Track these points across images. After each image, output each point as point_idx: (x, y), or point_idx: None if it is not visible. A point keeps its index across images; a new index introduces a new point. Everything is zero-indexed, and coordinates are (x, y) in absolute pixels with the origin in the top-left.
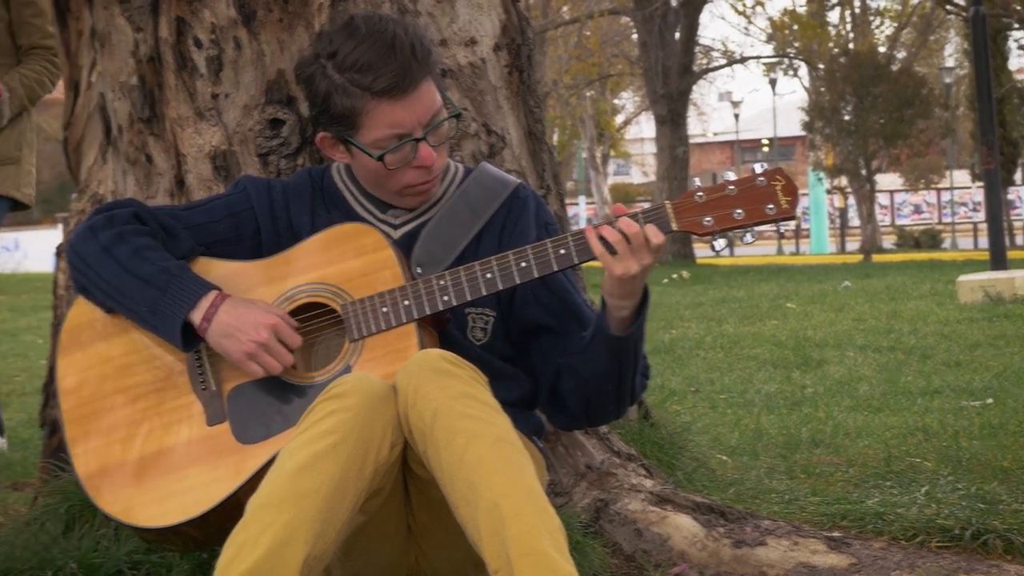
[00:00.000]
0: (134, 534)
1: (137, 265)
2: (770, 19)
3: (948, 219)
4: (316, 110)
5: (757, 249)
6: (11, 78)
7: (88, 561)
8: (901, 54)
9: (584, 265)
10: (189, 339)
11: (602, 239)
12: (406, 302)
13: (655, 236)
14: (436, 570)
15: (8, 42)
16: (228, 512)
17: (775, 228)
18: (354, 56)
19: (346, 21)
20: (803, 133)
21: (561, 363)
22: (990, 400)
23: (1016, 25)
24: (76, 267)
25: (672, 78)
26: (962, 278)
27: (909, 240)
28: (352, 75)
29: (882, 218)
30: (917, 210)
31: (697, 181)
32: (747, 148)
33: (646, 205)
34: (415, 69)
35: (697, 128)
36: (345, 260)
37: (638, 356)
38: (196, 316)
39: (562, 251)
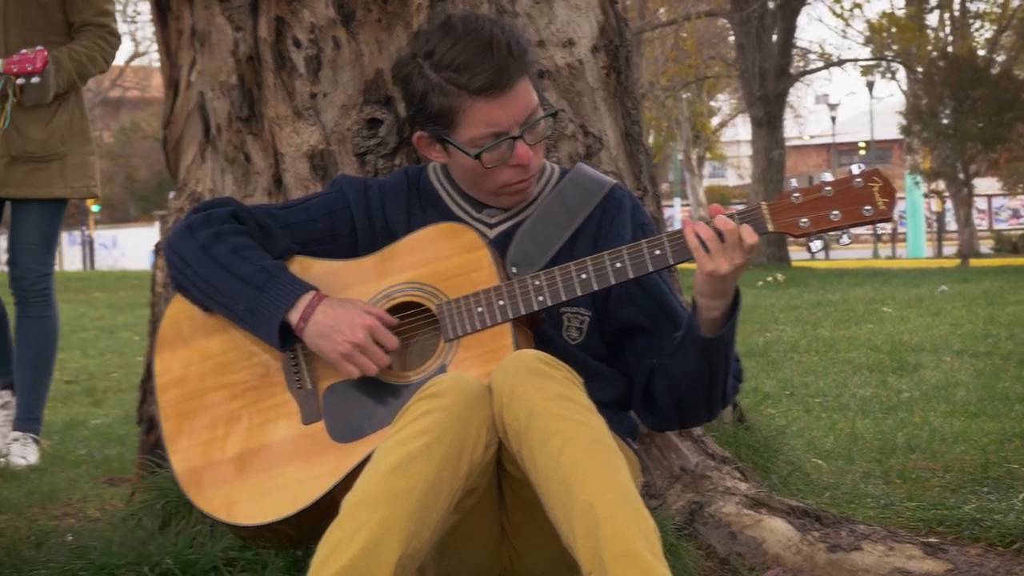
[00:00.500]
0: (229, 531)
1: (235, 264)
2: (868, 22)
3: None
4: (413, 109)
5: (853, 252)
6: (60, 52)
7: (184, 557)
8: (1001, 57)
9: (679, 267)
10: (286, 339)
11: (696, 235)
12: (501, 302)
13: (749, 236)
14: (529, 571)
15: (60, 19)
16: (323, 510)
17: (871, 230)
18: (451, 55)
19: (443, 21)
20: (900, 136)
21: (653, 364)
22: None
23: None
24: (174, 265)
25: (769, 80)
26: None
27: (1007, 244)
28: (449, 74)
29: (979, 222)
30: (1015, 214)
31: (793, 182)
32: (843, 151)
33: (741, 207)
34: (511, 67)
35: (793, 131)
36: (440, 259)
37: (729, 358)
38: (293, 316)
39: (657, 252)
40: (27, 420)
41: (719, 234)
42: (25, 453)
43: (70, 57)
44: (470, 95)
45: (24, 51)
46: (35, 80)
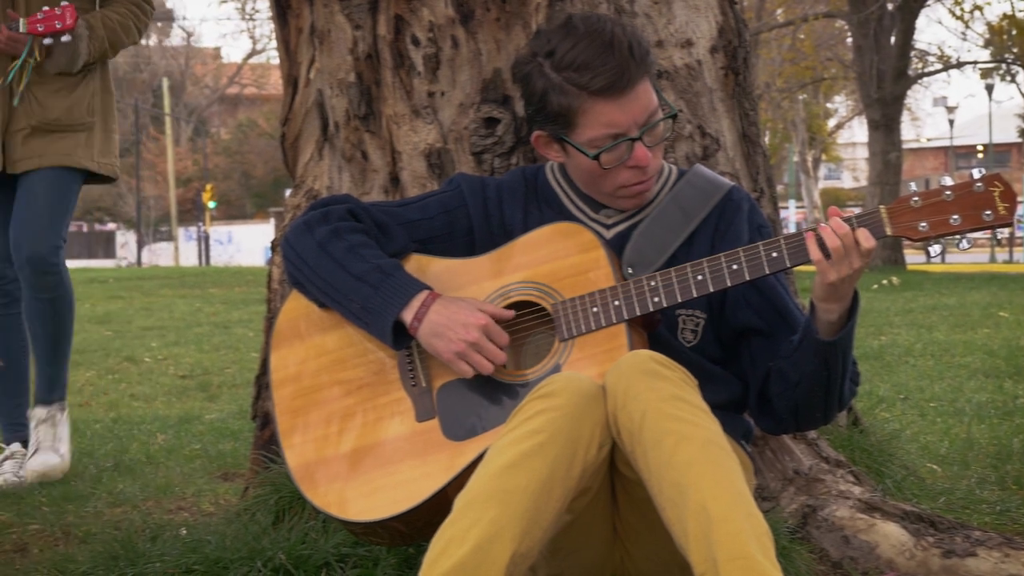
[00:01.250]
0: (342, 527)
1: (351, 262)
2: (988, 24)
3: None
4: (532, 109)
5: (969, 256)
6: (92, 16)
7: (296, 553)
8: None
9: (795, 268)
10: (400, 337)
11: (816, 240)
12: (616, 302)
13: (867, 240)
14: (641, 572)
15: None
16: (435, 508)
17: (990, 235)
18: (572, 55)
19: (564, 20)
20: (1020, 140)
21: (769, 367)
22: None
23: None
24: (291, 262)
25: (886, 82)
26: None
27: None
28: (569, 74)
29: None
30: None
31: (912, 186)
32: (961, 154)
33: (857, 210)
34: (632, 69)
35: (911, 133)
36: (556, 259)
37: (847, 361)
38: (407, 315)
39: (774, 254)
40: (50, 392)
41: (839, 239)
42: (15, 470)
43: (104, 23)
44: (590, 96)
45: (47, 8)
46: (65, 39)
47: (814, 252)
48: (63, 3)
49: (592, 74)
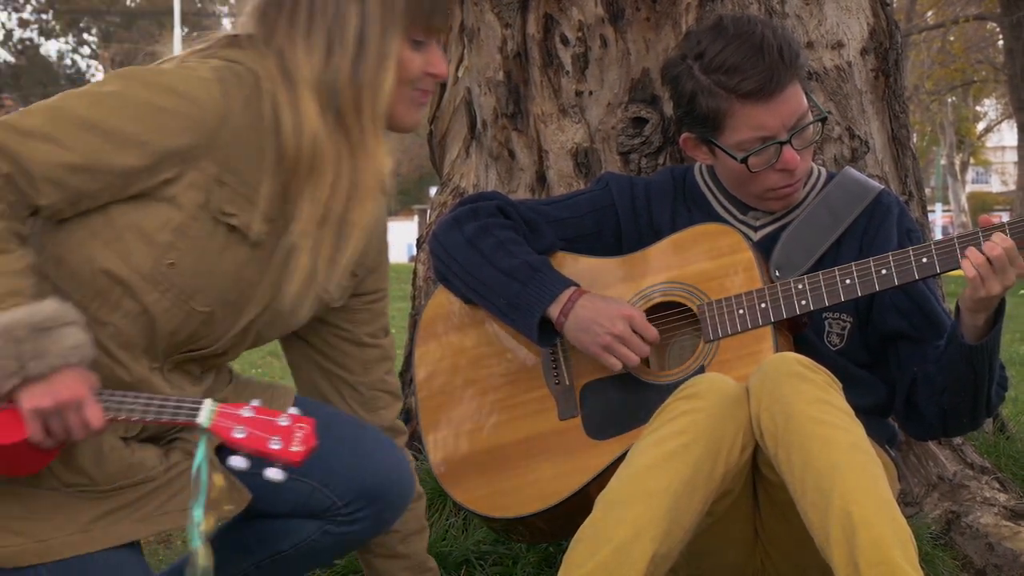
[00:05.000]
0: (483, 524)
1: (500, 258)
2: None
3: None
4: (681, 111)
5: None
6: None
7: (436, 550)
8: None
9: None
10: (546, 333)
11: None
12: (763, 305)
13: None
14: (781, 575)
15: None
16: (576, 506)
17: None
18: (721, 57)
19: (714, 22)
20: None
21: (916, 372)
22: None
23: None
24: (439, 257)
25: None
26: None
27: None
28: (718, 76)
29: None
30: None
31: None
32: None
33: (1004, 215)
34: (782, 72)
35: None
36: (703, 260)
37: (993, 366)
38: (554, 310)
39: (924, 260)
40: None
41: (989, 260)
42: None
43: None
44: (739, 98)
45: (256, 403)
46: (274, 474)
47: (968, 270)
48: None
49: (741, 77)
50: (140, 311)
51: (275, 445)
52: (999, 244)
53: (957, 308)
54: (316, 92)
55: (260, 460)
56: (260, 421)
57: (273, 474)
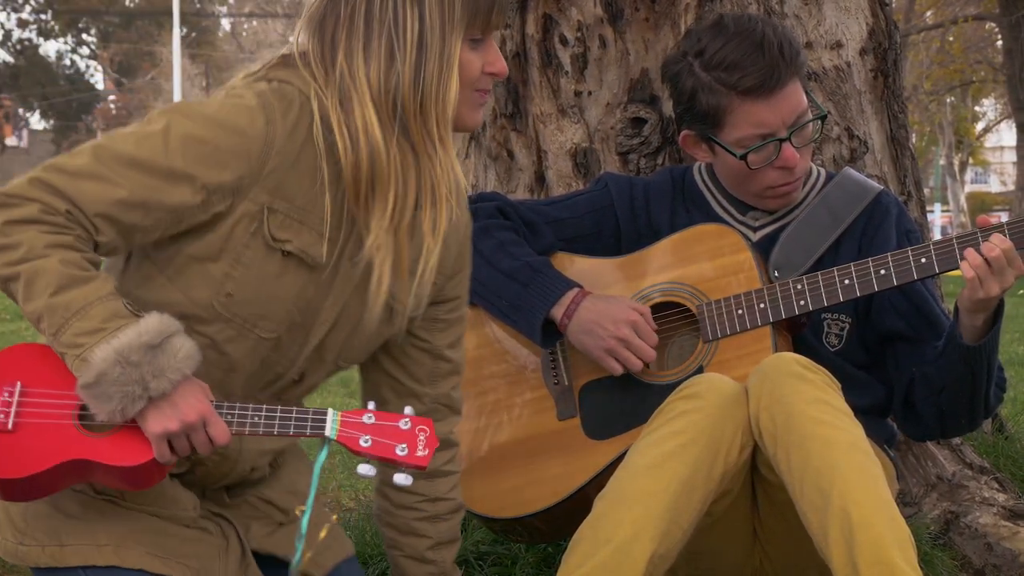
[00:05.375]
0: (482, 524)
1: (500, 259)
2: None
3: None
4: (680, 108)
5: None
6: None
7: None
8: None
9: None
10: (549, 335)
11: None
12: (762, 305)
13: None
14: (780, 574)
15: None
16: (575, 506)
17: None
18: (721, 54)
19: (715, 20)
20: None
21: (914, 372)
22: None
23: None
24: None
25: None
26: None
27: None
28: (718, 73)
29: None
30: None
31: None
32: None
33: (1003, 215)
34: (782, 69)
35: None
36: (702, 260)
37: (992, 366)
38: (557, 312)
39: (923, 260)
40: None
41: (987, 261)
42: None
43: None
44: (739, 95)
45: (372, 406)
46: (400, 479)
47: (966, 271)
48: (410, 413)
49: (741, 74)
50: (208, 344)
51: (401, 451)
52: (997, 245)
53: (956, 309)
54: (377, 101)
55: (387, 466)
56: (383, 428)
57: (401, 480)
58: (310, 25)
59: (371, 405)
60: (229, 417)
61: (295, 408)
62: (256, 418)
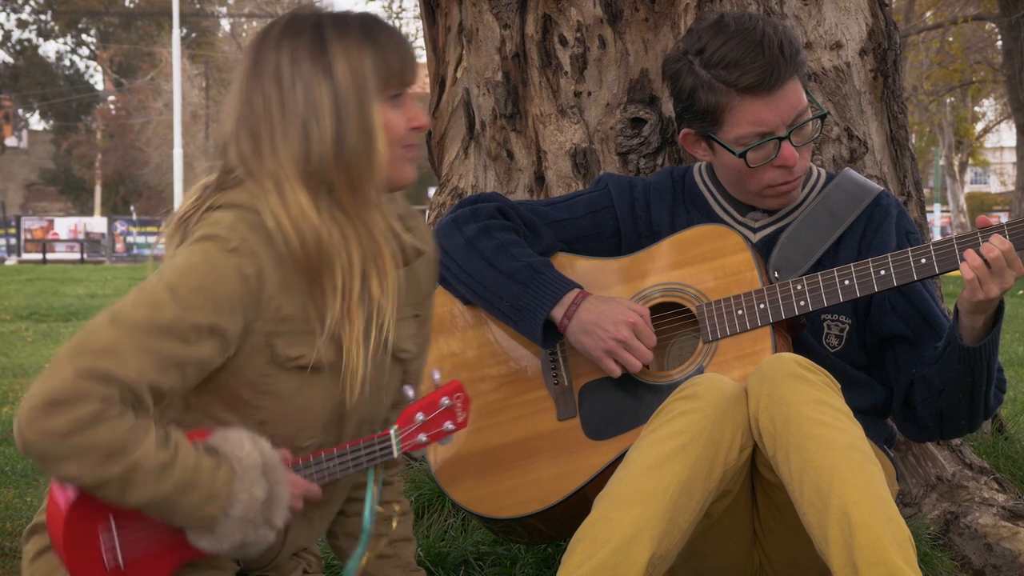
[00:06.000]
0: (481, 524)
1: (501, 260)
2: None
3: None
4: (680, 106)
5: None
6: None
7: (435, 550)
8: None
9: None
10: (549, 335)
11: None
12: (762, 306)
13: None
14: (780, 575)
15: None
16: (575, 507)
17: None
18: (721, 52)
19: (716, 19)
20: None
21: (914, 374)
22: None
23: None
24: (439, 259)
25: None
26: None
27: None
28: (718, 71)
29: None
30: None
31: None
32: None
33: (1003, 216)
34: (782, 67)
35: None
36: (702, 261)
37: (991, 368)
38: (558, 312)
39: (923, 260)
40: None
41: (987, 263)
42: None
43: None
44: (738, 93)
45: (414, 399)
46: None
47: (966, 272)
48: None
49: (741, 71)
50: None
51: (449, 427)
52: (997, 247)
53: (956, 310)
54: (304, 182)
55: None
56: (432, 420)
57: (446, 442)
58: (237, 130)
59: (409, 392)
60: (308, 474)
61: (361, 441)
62: (333, 466)
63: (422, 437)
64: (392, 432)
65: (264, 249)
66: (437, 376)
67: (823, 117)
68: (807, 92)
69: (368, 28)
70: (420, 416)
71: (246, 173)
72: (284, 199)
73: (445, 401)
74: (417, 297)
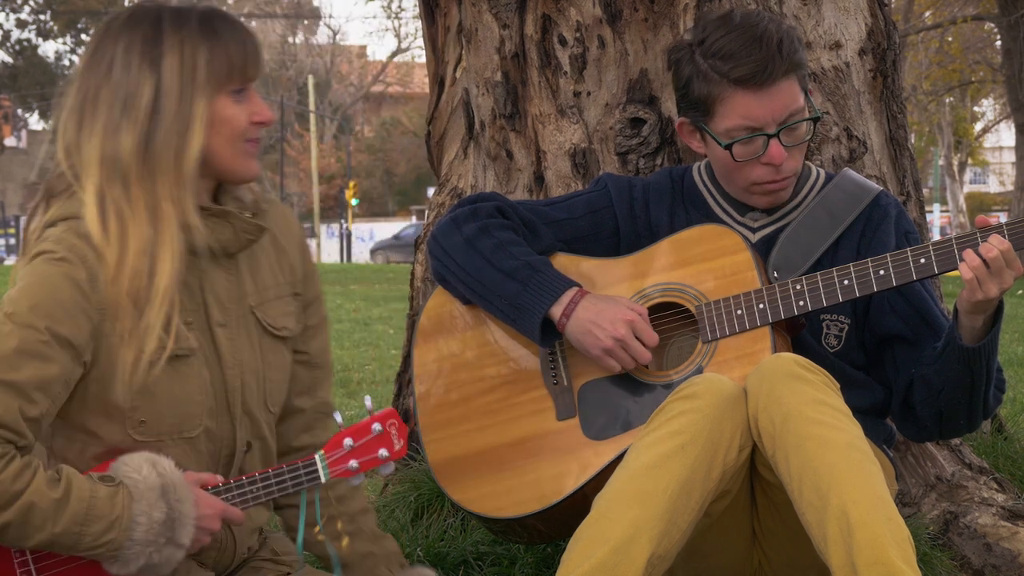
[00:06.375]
0: (480, 524)
1: (500, 259)
2: None
3: None
4: (678, 95)
5: None
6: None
7: (435, 550)
8: None
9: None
10: (548, 334)
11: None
12: (761, 306)
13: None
14: (779, 575)
15: None
16: (574, 507)
17: None
18: (720, 44)
19: (725, 13)
20: None
21: (913, 374)
22: None
23: None
24: (438, 258)
25: None
26: None
27: None
28: (714, 61)
29: None
30: None
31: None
32: None
33: (1002, 216)
34: (777, 63)
35: None
36: (702, 261)
37: (991, 368)
38: (556, 311)
39: (922, 260)
40: None
41: (986, 263)
42: None
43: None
44: (730, 84)
45: (343, 427)
46: (388, 470)
47: (965, 272)
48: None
49: (735, 63)
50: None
51: (383, 455)
52: (995, 247)
53: (955, 310)
54: (100, 169)
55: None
56: (362, 445)
57: (387, 471)
58: (68, 113)
59: (337, 417)
60: (229, 497)
61: (285, 466)
62: (256, 490)
63: (353, 464)
64: (317, 457)
65: (93, 252)
66: (369, 403)
67: (816, 120)
68: (806, 94)
69: (208, 23)
70: (349, 441)
71: (69, 168)
72: (82, 189)
73: (377, 427)
74: (291, 276)
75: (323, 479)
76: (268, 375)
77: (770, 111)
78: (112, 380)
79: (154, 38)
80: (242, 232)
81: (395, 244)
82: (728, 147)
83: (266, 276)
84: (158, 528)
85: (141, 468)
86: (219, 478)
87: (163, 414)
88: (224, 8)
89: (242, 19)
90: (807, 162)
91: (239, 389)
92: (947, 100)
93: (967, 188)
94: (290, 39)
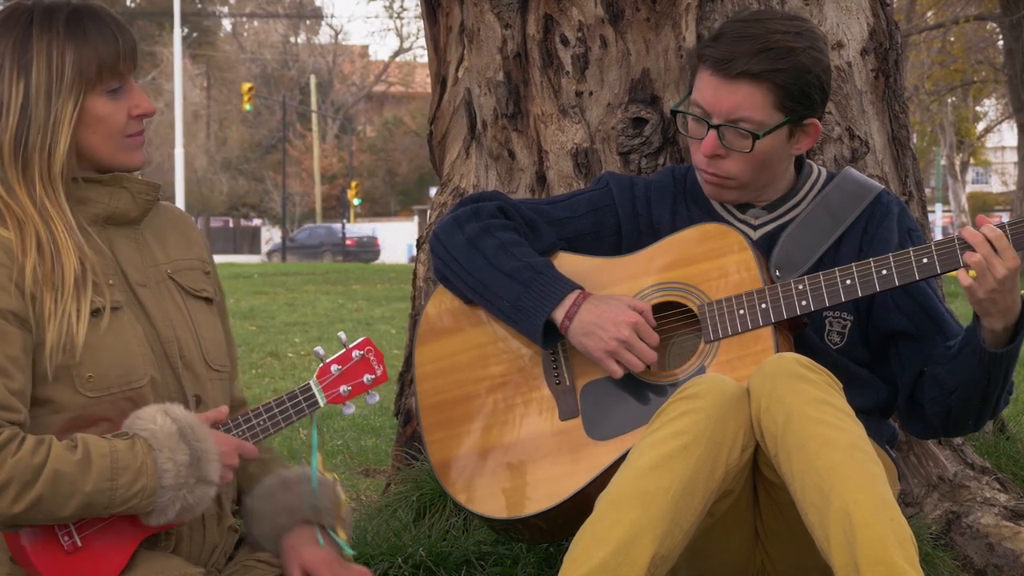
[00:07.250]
0: (483, 524)
1: (502, 260)
2: None
3: None
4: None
5: None
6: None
7: (437, 550)
8: None
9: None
10: (550, 336)
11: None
12: (763, 305)
13: (1012, 260)
14: (782, 575)
15: None
16: (577, 507)
17: None
18: (722, 27)
19: (762, 9)
20: None
21: (924, 371)
22: None
23: None
24: (440, 258)
25: None
26: None
27: None
28: (705, 40)
29: None
30: None
31: None
32: None
33: (1004, 215)
34: (747, 63)
35: None
36: (704, 260)
37: (1009, 374)
38: (559, 313)
39: (925, 260)
40: None
41: (989, 241)
42: None
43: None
44: (700, 62)
45: (326, 358)
46: (372, 399)
47: (971, 257)
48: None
49: (711, 45)
50: (109, 425)
51: (368, 379)
52: (990, 223)
53: (976, 314)
54: None
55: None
56: (349, 370)
57: (373, 400)
58: None
59: (319, 350)
60: (239, 433)
61: (284, 395)
62: (262, 423)
63: (344, 388)
64: (312, 383)
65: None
66: (343, 336)
67: (756, 137)
68: (780, 111)
69: (76, 23)
70: (336, 367)
71: None
72: None
73: (356, 354)
74: (201, 261)
75: (321, 403)
76: (201, 333)
77: (719, 103)
78: (49, 345)
79: (23, 42)
80: (139, 195)
81: (290, 246)
82: (673, 111)
83: (175, 251)
84: (186, 470)
85: (155, 418)
86: (224, 409)
87: (107, 366)
88: (226, 8)
89: (254, 20)
90: (809, 160)
91: (174, 340)
92: (949, 100)
93: (969, 188)
94: (292, 39)
